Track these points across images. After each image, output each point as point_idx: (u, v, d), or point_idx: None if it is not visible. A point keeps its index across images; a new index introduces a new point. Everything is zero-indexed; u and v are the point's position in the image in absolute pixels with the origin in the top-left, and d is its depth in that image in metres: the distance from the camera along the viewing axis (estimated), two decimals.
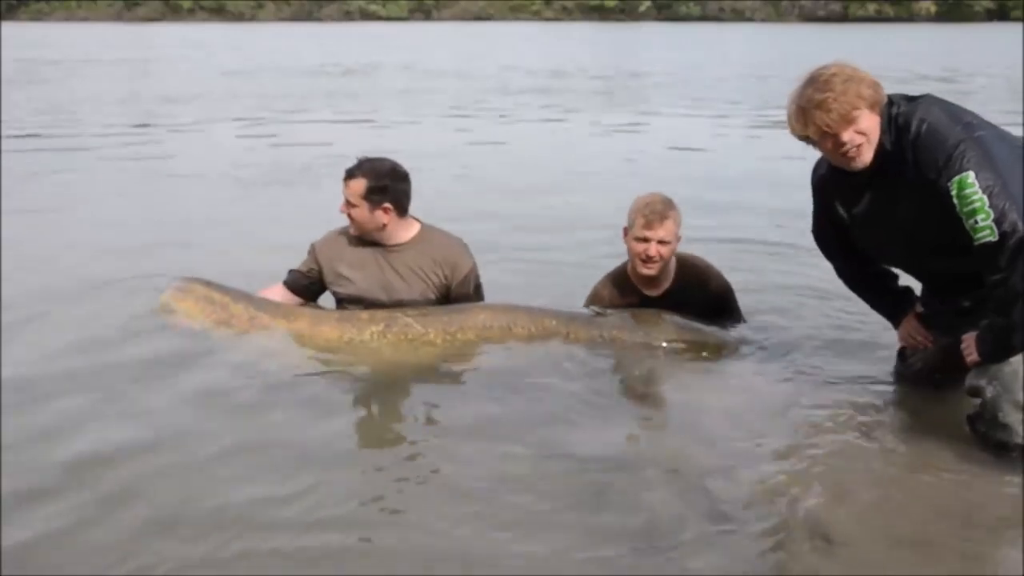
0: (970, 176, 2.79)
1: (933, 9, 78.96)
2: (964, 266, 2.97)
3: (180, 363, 3.87)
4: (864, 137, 2.99)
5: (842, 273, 3.58)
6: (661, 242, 3.90)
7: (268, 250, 5.69)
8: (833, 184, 3.27)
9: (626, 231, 4.00)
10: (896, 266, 3.43)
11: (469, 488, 2.86)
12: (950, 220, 2.86)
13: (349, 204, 4.06)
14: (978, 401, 2.97)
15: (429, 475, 3.01)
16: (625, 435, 3.28)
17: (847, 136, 2.98)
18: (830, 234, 3.45)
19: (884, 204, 3.11)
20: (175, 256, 5.64)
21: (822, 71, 3.00)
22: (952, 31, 56.81)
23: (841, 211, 3.29)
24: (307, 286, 4.30)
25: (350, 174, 4.08)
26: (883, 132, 3.01)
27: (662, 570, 2.45)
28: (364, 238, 4.17)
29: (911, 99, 3.05)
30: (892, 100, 3.04)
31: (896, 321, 3.54)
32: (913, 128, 2.94)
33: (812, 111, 2.95)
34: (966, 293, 3.18)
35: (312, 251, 4.28)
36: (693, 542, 2.55)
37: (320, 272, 4.24)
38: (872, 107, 2.98)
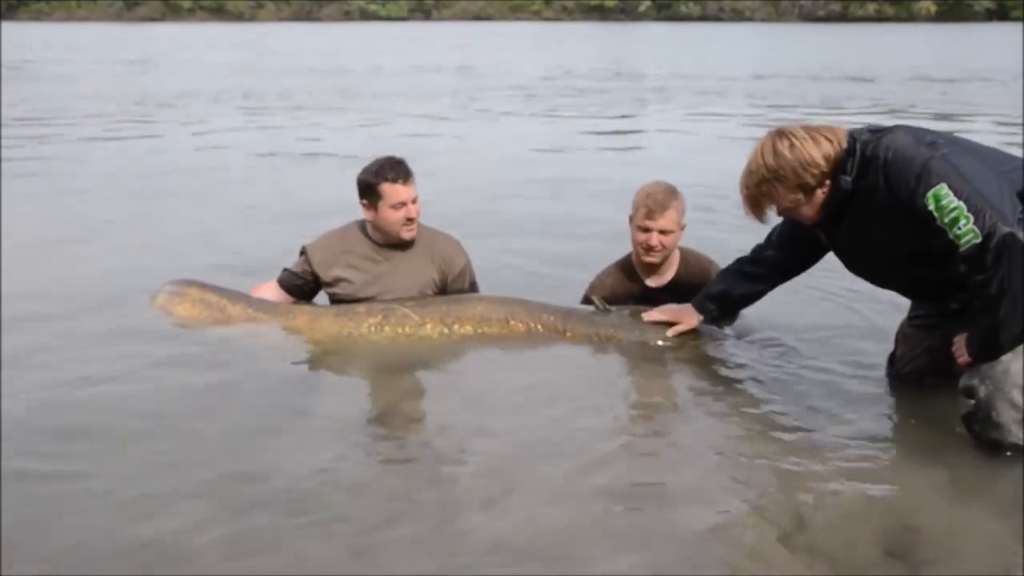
0: (944, 187, 2.87)
1: (933, 9, 79.05)
2: (944, 278, 3.06)
3: (182, 364, 3.87)
4: (790, 210, 3.21)
5: (752, 266, 3.71)
6: (663, 231, 3.94)
7: (268, 243, 5.74)
8: None
9: (630, 219, 4.03)
10: (883, 286, 3.49)
11: (467, 485, 2.88)
12: (923, 232, 2.94)
13: (415, 201, 4.10)
14: (972, 401, 2.99)
15: (426, 471, 3.02)
16: (619, 435, 3.28)
17: (780, 214, 3.28)
18: (789, 246, 3.59)
19: (860, 230, 3.20)
20: (170, 256, 5.65)
21: (751, 160, 3.18)
22: (952, 31, 56.88)
23: (824, 240, 3.41)
24: (300, 286, 4.31)
25: (409, 172, 4.10)
26: (844, 172, 3.10)
27: (655, 569, 2.46)
28: (376, 240, 4.18)
29: (877, 131, 3.14)
30: (854, 136, 3.13)
31: (698, 309, 3.82)
32: (881, 156, 3.04)
33: (745, 204, 3.25)
34: (952, 297, 3.23)
35: (304, 254, 4.27)
36: (683, 543, 2.56)
37: (314, 275, 4.24)
38: (794, 191, 3.14)
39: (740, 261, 3.75)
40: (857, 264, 3.39)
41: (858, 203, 3.13)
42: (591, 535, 2.59)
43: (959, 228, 2.85)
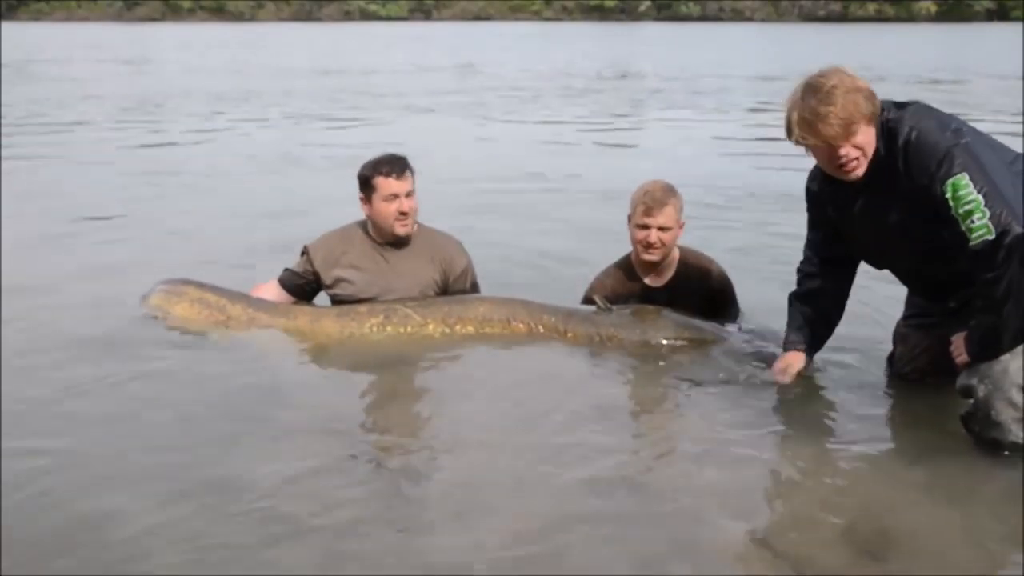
0: (964, 178, 2.84)
1: (933, 9, 78.96)
2: (953, 270, 3.02)
3: (181, 364, 3.87)
4: (860, 151, 3.03)
5: (806, 283, 3.51)
6: (661, 228, 3.94)
7: (267, 243, 5.77)
8: (827, 192, 3.30)
9: (629, 219, 4.04)
10: (886, 268, 3.44)
11: (444, 491, 2.87)
12: (940, 225, 2.90)
13: (410, 196, 4.12)
14: (970, 401, 2.99)
15: (424, 472, 3.03)
16: (619, 435, 3.29)
17: (845, 150, 3.01)
18: (820, 237, 3.46)
19: (876, 210, 3.15)
20: (167, 255, 5.66)
21: (823, 81, 3.00)
22: (952, 31, 56.83)
23: (833, 217, 3.32)
24: (301, 286, 4.31)
25: (404, 167, 4.13)
26: (877, 139, 3.04)
27: (628, 570, 2.46)
28: (376, 238, 4.20)
29: (899, 105, 3.08)
30: (882, 107, 3.06)
31: (792, 348, 3.50)
32: (903, 136, 2.98)
33: (815, 123, 2.97)
34: (953, 294, 3.21)
35: (306, 254, 4.28)
36: (658, 542, 2.56)
37: (316, 275, 4.25)
38: (869, 120, 3.00)
39: (796, 289, 3.54)
40: (863, 246, 3.33)
41: (875, 181, 3.07)
42: (563, 538, 2.58)
43: (973, 221, 2.82)
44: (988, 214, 2.79)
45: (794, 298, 3.55)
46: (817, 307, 3.49)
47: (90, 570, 2.45)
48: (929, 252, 3.11)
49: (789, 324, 3.55)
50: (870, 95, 3.00)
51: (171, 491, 2.81)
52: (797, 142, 3.06)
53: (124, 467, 2.98)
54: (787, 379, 3.46)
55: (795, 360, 3.49)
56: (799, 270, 3.55)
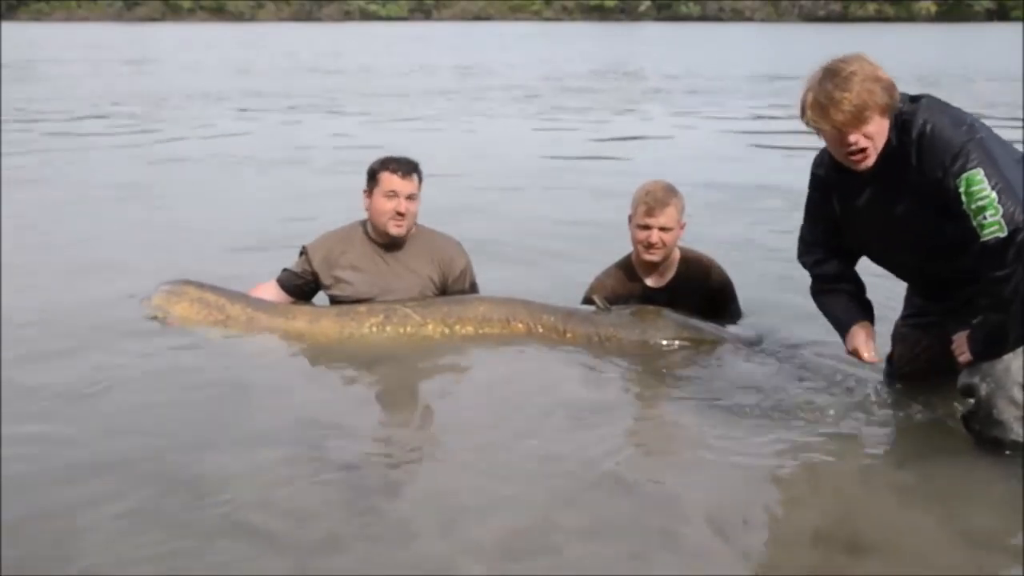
0: (979, 173, 2.81)
1: (933, 9, 78.96)
2: (956, 267, 3.00)
3: (180, 365, 3.87)
4: (870, 141, 2.99)
5: (821, 268, 3.41)
6: (663, 229, 3.94)
7: (266, 243, 5.76)
8: (834, 179, 3.25)
9: (630, 219, 4.02)
10: (887, 264, 3.40)
11: (462, 486, 2.87)
12: (947, 220, 2.88)
13: (411, 199, 4.12)
14: (971, 400, 2.98)
15: (422, 473, 3.03)
16: (612, 436, 3.28)
17: (854, 138, 2.97)
18: (820, 229, 3.39)
19: (883, 201, 3.11)
20: (166, 254, 5.65)
21: (843, 66, 2.97)
22: (952, 31, 56.84)
23: (836, 206, 3.27)
24: (300, 286, 4.31)
25: (412, 169, 4.15)
26: (890, 130, 3.00)
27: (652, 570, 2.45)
28: (375, 239, 4.20)
29: (913, 99, 3.05)
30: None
31: (851, 327, 3.35)
32: (916, 129, 2.95)
33: (828, 107, 2.93)
34: (956, 292, 3.17)
35: (305, 254, 4.28)
36: (643, 541, 2.56)
37: (314, 275, 4.25)
38: (883, 112, 2.97)
39: (814, 277, 3.43)
40: (866, 240, 3.28)
41: (884, 173, 3.03)
42: (552, 538, 2.57)
43: (985, 217, 2.79)
44: (1001, 211, 2.77)
45: (819, 287, 3.44)
46: (848, 283, 3.39)
47: None
48: (933, 248, 3.08)
49: (832, 311, 3.41)
50: (889, 86, 2.97)
51: (139, 498, 2.76)
52: (808, 124, 3.03)
53: (90, 471, 2.91)
54: (872, 352, 3.27)
55: (866, 332, 3.30)
56: (805, 263, 3.45)
